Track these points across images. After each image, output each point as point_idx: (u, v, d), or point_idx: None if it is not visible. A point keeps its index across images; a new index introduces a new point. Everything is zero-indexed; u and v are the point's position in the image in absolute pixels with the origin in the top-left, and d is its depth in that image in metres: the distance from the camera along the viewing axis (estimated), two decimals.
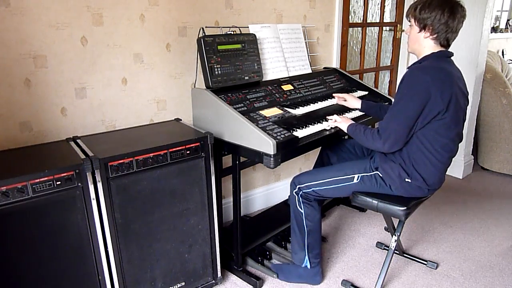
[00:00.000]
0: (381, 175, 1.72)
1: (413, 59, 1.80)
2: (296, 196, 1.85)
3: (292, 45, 2.29)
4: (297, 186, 1.84)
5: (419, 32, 1.61)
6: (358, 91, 2.40)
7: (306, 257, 1.88)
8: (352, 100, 2.11)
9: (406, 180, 1.67)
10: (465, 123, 3.00)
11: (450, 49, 1.66)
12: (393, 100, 1.69)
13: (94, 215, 1.40)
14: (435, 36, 1.58)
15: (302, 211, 1.84)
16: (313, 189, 1.81)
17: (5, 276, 1.27)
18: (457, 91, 1.56)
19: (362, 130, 1.69)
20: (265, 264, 2.02)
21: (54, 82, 1.67)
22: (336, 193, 1.85)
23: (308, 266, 1.89)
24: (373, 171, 1.75)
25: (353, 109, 2.14)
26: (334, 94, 2.18)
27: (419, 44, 1.64)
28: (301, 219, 1.85)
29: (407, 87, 1.55)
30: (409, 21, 1.66)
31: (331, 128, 1.86)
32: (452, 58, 1.66)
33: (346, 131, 1.79)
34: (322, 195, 1.83)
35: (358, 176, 1.76)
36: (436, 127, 1.56)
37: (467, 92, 1.67)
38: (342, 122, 1.81)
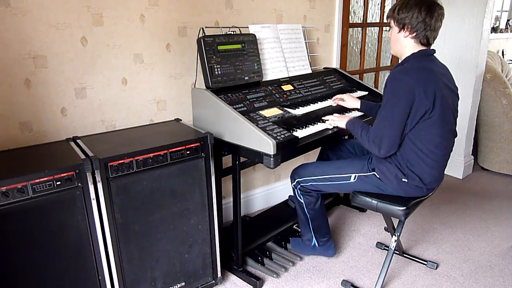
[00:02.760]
0: (378, 176, 1.73)
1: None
2: (295, 189, 1.93)
3: (292, 45, 2.29)
4: (296, 180, 1.91)
5: (398, 32, 1.64)
6: (358, 91, 2.40)
7: (313, 238, 2.00)
8: (351, 100, 2.10)
9: (403, 180, 1.67)
10: (465, 123, 3.05)
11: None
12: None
13: (94, 215, 1.40)
14: (414, 34, 1.60)
15: (302, 201, 1.93)
16: (311, 183, 1.87)
17: (5, 276, 1.27)
18: (442, 88, 1.57)
19: (359, 130, 1.70)
20: (266, 263, 2.02)
21: (54, 82, 1.67)
22: (333, 190, 1.89)
23: (317, 245, 2.01)
24: (370, 172, 1.75)
25: (353, 109, 2.14)
26: (334, 97, 2.16)
27: (400, 44, 1.66)
28: (303, 208, 1.94)
29: (391, 91, 1.57)
30: (389, 23, 1.69)
31: (334, 127, 1.87)
32: (435, 55, 1.68)
33: (344, 128, 1.81)
34: (319, 189, 1.88)
35: (355, 176, 1.78)
36: (426, 126, 1.57)
37: (456, 88, 1.68)
38: (340, 121, 1.83)
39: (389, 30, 1.73)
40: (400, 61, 1.69)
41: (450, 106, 1.62)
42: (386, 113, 1.57)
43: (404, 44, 1.65)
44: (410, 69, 1.58)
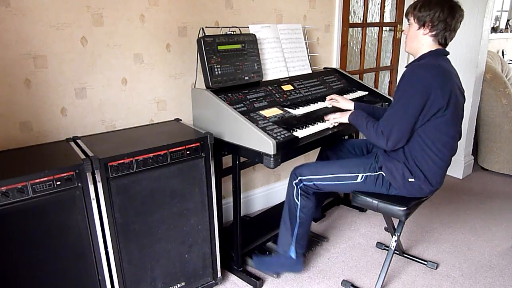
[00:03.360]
0: (384, 175, 1.72)
1: (412, 59, 1.81)
2: (296, 187, 1.83)
3: (292, 45, 2.29)
4: (298, 178, 1.83)
5: (418, 29, 1.64)
6: (358, 91, 2.40)
7: (293, 247, 1.86)
8: (345, 102, 2.07)
9: (410, 180, 1.67)
10: (465, 123, 3.05)
11: (448, 49, 1.67)
12: (392, 98, 1.70)
13: (94, 215, 1.40)
14: (434, 33, 1.61)
15: (298, 203, 1.83)
16: (314, 182, 1.80)
17: (5, 276, 1.27)
18: (456, 88, 1.58)
19: (364, 122, 1.69)
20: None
21: (54, 82, 1.67)
22: (337, 189, 1.86)
23: (293, 256, 1.87)
24: (377, 171, 1.75)
25: (347, 111, 2.13)
26: (327, 97, 2.15)
27: (417, 41, 1.66)
28: (295, 210, 1.84)
29: (408, 84, 1.57)
30: (408, 20, 1.69)
31: (334, 126, 1.86)
32: (448, 57, 1.68)
33: (348, 121, 1.80)
34: (322, 189, 1.83)
35: (362, 176, 1.76)
36: (437, 124, 1.57)
37: (463, 89, 1.69)
38: (342, 116, 1.83)
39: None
40: (416, 58, 1.69)
41: (460, 107, 1.64)
42: (400, 105, 1.57)
43: (422, 42, 1.65)
44: (428, 65, 1.58)
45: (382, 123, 1.63)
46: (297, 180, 1.83)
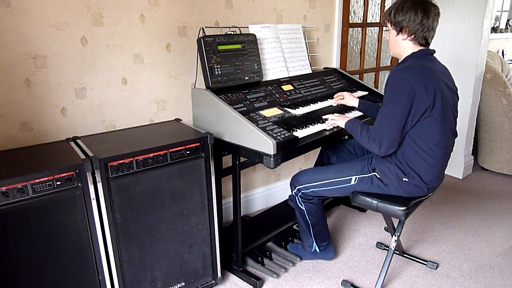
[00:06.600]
0: (378, 176, 1.73)
1: None
2: (296, 196, 1.91)
3: (292, 45, 2.29)
4: (296, 187, 1.90)
5: (396, 35, 1.65)
6: (358, 91, 2.40)
7: (314, 243, 2.02)
8: (350, 99, 2.11)
9: (404, 179, 1.67)
10: (465, 123, 3.05)
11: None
12: None
13: (94, 215, 1.40)
14: (412, 37, 1.62)
15: (304, 208, 1.92)
16: (311, 189, 1.85)
17: (5, 276, 1.27)
18: (442, 86, 1.58)
19: (359, 129, 1.70)
20: (266, 263, 2.02)
21: (54, 82, 1.67)
22: (335, 194, 1.88)
23: (318, 250, 2.04)
24: (371, 173, 1.75)
25: (352, 109, 2.14)
26: (336, 94, 2.18)
27: (398, 46, 1.68)
28: (304, 216, 1.94)
29: (392, 89, 1.58)
30: (386, 26, 1.70)
31: (333, 127, 1.87)
32: (436, 55, 1.68)
33: (344, 127, 1.81)
34: (321, 195, 1.87)
35: (356, 178, 1.78)
36: (426, 124, 1.58)
37: (455, 88, 1.69)
38: (339, 120, 1.83)
39: (386, 30, 1.73)
40: (400, 61, 1.70)
41: (450, 105, 1.63)
42: (387, 111, 1.58)
43: (403, 46, 1.66)
44: (410, 68, 1.59)
45: (372, 130, 1.63)
46: (295, 190, 1.91)
